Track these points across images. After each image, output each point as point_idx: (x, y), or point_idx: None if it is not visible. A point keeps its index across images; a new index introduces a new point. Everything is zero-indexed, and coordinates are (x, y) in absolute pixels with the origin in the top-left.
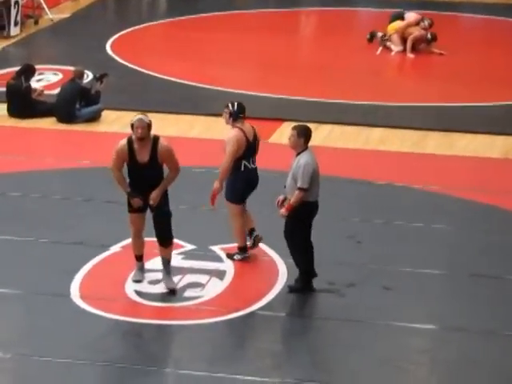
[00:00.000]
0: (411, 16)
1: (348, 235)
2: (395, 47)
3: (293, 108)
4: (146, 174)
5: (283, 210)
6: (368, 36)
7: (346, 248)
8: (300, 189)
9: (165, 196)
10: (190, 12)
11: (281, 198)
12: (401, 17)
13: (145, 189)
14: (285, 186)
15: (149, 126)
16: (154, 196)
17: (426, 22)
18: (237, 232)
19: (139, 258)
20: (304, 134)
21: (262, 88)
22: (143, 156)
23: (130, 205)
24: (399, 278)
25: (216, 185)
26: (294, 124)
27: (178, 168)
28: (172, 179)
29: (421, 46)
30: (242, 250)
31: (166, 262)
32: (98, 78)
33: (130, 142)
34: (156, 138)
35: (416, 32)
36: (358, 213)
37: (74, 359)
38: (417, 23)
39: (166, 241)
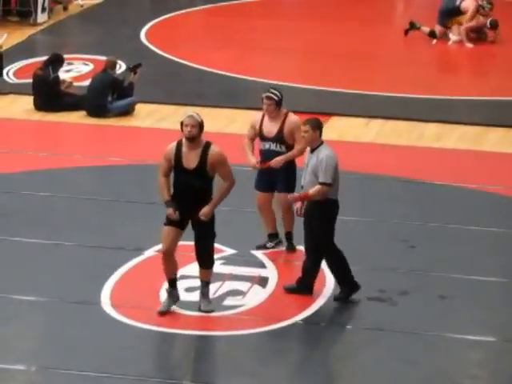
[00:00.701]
0: (468, 5)
1: (401, 239)
2: (453, 36)
3: (341, 101)
4: (192, 183)
5: (295, 196)
6: (407, 27)
7: (399, 253)
8: (324, 184)
9: (212, 215)
10: None
11: (296, 194)
12: (456, 9)
13: (189, 202)
14: (302, 187)
15: (200, 125)
16: (207, 211)
17: (486, 7)
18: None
19: (171, 283)
20: (318, 127)
21: (307, 79)
22: (191, 161)
23: (167, 217)
24: (455, 286)
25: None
26: (341, 119)
27: (233, 179)
28: (227, 191)
29: (479, 33)
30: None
31: (205, 284)
32: (132, 69)
33: (179, 144)
34: (208, 143)
35: (471, 22)
36: (411, 215)
37: (104, 372)
38: (477, 10)
39: (207, 265)
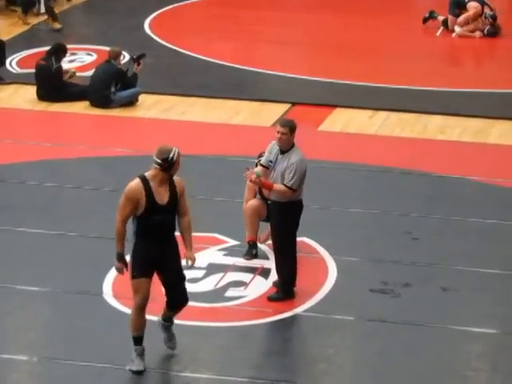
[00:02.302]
0: (473, 7)
1: (404, 231)
2: (457, 29)
3: (345, 93)
4: (166, 220)
5: (260, 179)
6: (427, 15)
7: (402, 245)
8: (289, 188)
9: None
10: None
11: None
12: (463, 4)
13: (163, 243)
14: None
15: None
16: (193, 256)
17: (489, 15)
18: None
19: (140, 341)
20: (294, 130)
21: (312, 71)
22: (163, 196)
23: (139, 267)
24: (458, 278)
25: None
26: (346, 110)
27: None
28: (191, 227)
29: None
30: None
31: (172, 323)
32: (135, 59)
33: (144, 180)
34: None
35: (469, 26)
36: (414, 207)
37: (107, 363)
38: (479, 15)
39: (183, 305)
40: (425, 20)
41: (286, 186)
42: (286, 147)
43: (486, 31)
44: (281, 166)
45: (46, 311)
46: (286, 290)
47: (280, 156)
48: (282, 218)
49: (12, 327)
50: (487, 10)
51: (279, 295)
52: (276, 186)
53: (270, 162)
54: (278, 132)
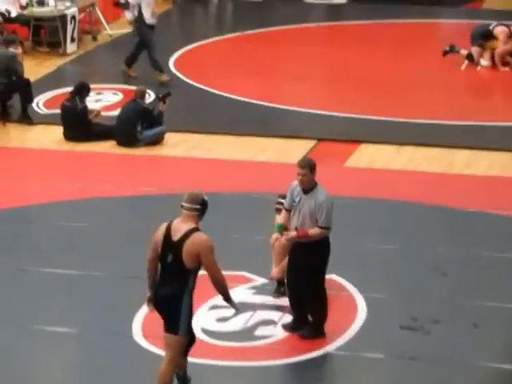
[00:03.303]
0: (501, 32)
1: (432, 266)
2: (483, 62)
3: (371, 128)
4: None
5: (294, 233)
6: (447, 48)
7: (430, 280)
8: (326, 228)
9: None
10: (259, 25)
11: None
12: (488, 33)
13: None
14: (296, 228)
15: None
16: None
17: None
18: None
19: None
20: (315, 168)
21: (337, 106)
22: None
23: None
24: (488, 314)
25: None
26: (372, 146)
27: None
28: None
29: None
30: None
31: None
32: (161, 98)
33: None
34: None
35: (505, 46)
36: (443, 242)
37: None
38: (509, 37)
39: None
40: (445, 53)
41: (321, 227)
42: (308, 187)
43: None
44: (307, 206)
45: (75, 352)
46: (319, 329)
47: (304, 196)
48: (316, 257)
49: (41, 368)
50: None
51: (310, 333)
52: (311, 232)
53: (294, 202)
54: (299, 174)
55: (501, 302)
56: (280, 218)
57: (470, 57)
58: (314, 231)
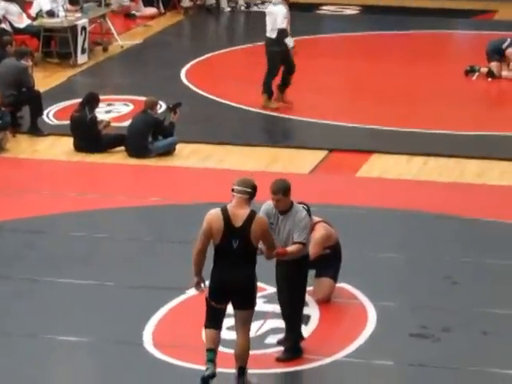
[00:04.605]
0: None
1: (443, 275)
2: (505, 72)
3: (382, 139)
4: None
5: (279, 250)
6: (468, 68)
7: (441, 289)
8: (301, 243)
9: None
10: None
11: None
12: (502, 51)
13: None
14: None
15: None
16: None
17: None
18: None
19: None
20: (289, 190)
21: (349, 117)
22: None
23: None
24: (499, 322)
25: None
26: (383, 156)
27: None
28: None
29: None
30: None
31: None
32: (172, 109)
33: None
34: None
35: None
36: (453, 251)
37: None
38: None
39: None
40: (467, 73)
41: (299, 242)
42: (284, 209)
43: None
44: (286, 225)
45: (87, 361)
46: (296, 349)
47: (281, 217)
48: (300, 273)
49: (54, 378)
50: None
51: (288, 355)
52: (289, 249)
53: (271, 223)
54: (273, 199)
55: (510, 310)
56: None
57: (491, 73)
58: (291, 248)
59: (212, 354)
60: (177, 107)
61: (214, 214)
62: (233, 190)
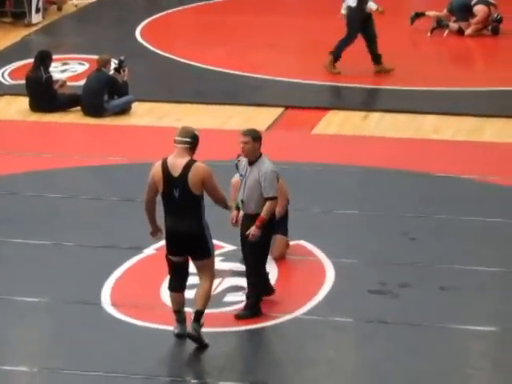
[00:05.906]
0: (481, 10)
1: (401, 232)
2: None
3: (338, 95)
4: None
5: (255, 230)
6: (434, 24)
7: (399, 245)
8: (271, 198)
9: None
10: None
11: (235, 213)
12: (469, 7)
13: None
14: (242, 201)
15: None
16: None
17: (496, 19)
18: None
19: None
20: (259, 138)
21: (304, 74)
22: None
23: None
24: (457, 277)
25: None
26: (339, 113)
27: None
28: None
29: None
30: None
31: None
32: (117, 69)
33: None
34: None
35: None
36: (411, 207)
37: (107, 372)
38: (487, 18)
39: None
40: (433, 29)
41: (267, 198)
42: (252, 157)
43: (490, 29)
44: (252, 177)
45: (45, 322)
46: (254, 307)
47: (249, 168)
48: (263, 231)
49: (12, 338)
50: (494, 12)
51: (246, 314)
52: (264, 214)
53: (241, 175)
54: (242, 142)
55: (469, 265)
56: (235, 193)
57: (460, 30)
58: (265, 211)
59: (178, 315)
60: (121, 65)
61: (156, 165)
62: (174, 140)
